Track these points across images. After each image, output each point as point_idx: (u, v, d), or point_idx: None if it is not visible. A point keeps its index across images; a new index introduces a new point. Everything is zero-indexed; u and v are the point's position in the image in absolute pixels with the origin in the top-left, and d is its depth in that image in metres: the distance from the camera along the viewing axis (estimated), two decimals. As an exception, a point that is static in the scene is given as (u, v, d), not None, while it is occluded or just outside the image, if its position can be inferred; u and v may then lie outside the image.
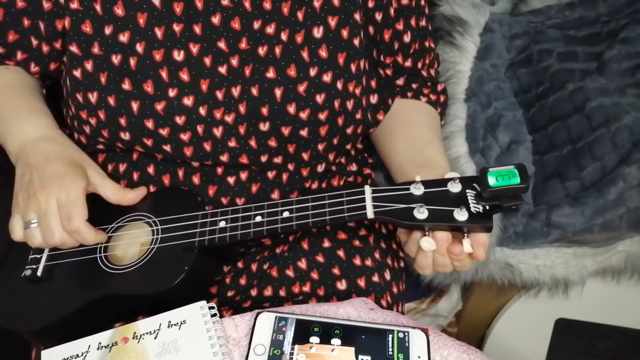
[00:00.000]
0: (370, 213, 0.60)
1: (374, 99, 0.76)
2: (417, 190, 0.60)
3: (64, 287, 0.63)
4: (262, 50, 0.65)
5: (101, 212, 0.65)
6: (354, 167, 0.85)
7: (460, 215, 0.57)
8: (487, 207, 0.58)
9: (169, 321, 0.58)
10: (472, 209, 0.58)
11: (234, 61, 0.65)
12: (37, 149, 0.64)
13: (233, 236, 0.62)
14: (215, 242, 0.62)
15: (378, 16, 0.72)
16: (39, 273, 0.63)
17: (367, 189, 0.62)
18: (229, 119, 0.66)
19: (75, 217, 0.59)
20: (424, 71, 0.83)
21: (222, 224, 0.63)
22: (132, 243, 0.65)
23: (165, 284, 0.61)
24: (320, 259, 0.73)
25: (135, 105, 0.64)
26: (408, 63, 0.79)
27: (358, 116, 0.72)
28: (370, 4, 0.71)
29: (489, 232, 0.59)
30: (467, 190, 0.59)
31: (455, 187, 0.60)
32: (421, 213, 0.58)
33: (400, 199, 0.60)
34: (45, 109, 0.71)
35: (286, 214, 0.62)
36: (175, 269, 0.61)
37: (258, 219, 0.63)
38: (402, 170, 0.75)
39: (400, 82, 0.80)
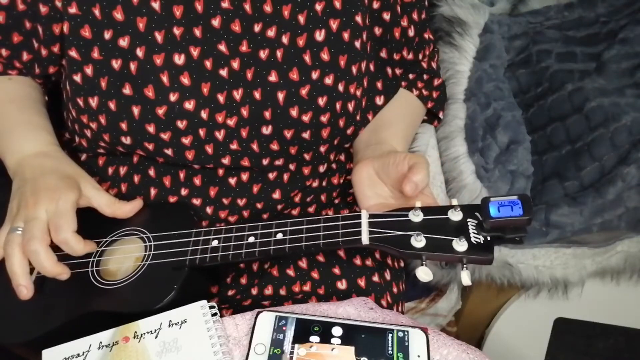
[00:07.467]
0: (365, 239, 0.58)
1: (380, 100, 0.77)
2: (416, 217, 0.58)
3: (53, 300, 0.62)
4: (263, 54, 0.66)
5: (96, 226, 0.64)
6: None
7: (460, 245, 0.55)
8: (488, 238, 0.56)
9: (170, 320, 0.58)
10: (472, 240, 0.56)
11: (235, 64, 0.65)
12: (33, 163, 0.65)
13: (224, 256, 0.61)
14: (207, 262, 0.61)
15: (386, 16, 0.73)
16: None
17: (364, 213, 0.60)
18: (231, 122, 0.66)
19: (63, 228, 0.59)
20: (424, 62, 0.83)
21: (215, 243, 0.62)
22: (124, 258, 0.64)
23: (153, 303, 0.60)
24: (320, 258, 0.73)
25: (136, 110, 0.64)
26: (410, 56, 0.80)
27: (359, 117, 0.72)
28: (376, 5, 0.71)
29: (489, 264, 0.56)
30: (469, 220, 0.57)
31: (456, 216, 0.58)
32: (419, 241, 0.56)
33: (397, 226, 0.58)
34: (44, 123, 0.71)
35: (280, 236, 0.61)
36: (165, 288, 0.60)
37: (251, 239, 0.61)
38: (355, 152, 0.76)
39: (398, 71, 0.81)
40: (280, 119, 0.67)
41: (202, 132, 0.66)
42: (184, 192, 0.71)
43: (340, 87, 0.67)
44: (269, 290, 0.73)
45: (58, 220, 0.59)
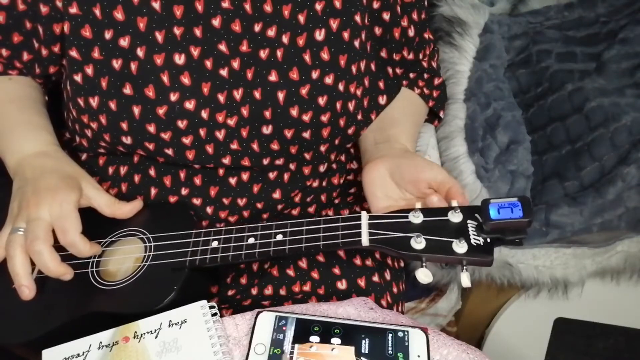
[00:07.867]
0: (365, 241, 0.58)
1: (382, 100, 0.77)
2: (416, 218, 0.59)
3: (53, 300, 0.62)
4: (263, 54, 0.66)
5: (96, 226, 0.64)
6: (354, 165, 0.86)
7: (459, 247, 0.55)
8: (488, 240, 0.56)
9: (170, 320, 0.58)
10: (472, 241, 0.56)
11: (235, 64, 0.65)
12: (33, 163, 0.65)
13: (224, 257, 0.61)
14: (206, 263, 0.61)
15: (386, 16, 0.73)
16: None
17: (364, 215, 0.60)
18: (231, 122, 0.66)
19: (69, 231, 0.59)
20: (424, 62, 0.83)
21: (215, 244, 0.62)
22: (124, 259, 0.64)
23: (153, 304, 0.60)
24: (320, 258, 0.74)
25: (136, 110, 0.64)
26: (410, 56, 0.80)
27: (359, 117, 0.72)
28: (376, 5, 0.71)
29: (489, 266, 0.56)
30: (469, 221, 0.57)
31: (456, 217, 0.58)
32: (418, 243, 0.56)
33: (397, 227, 0.59)
34: (45, 123, 0.71)
35: (279, 237, 0.61)
36: (165, 289, 0.60)
37: (251, 240, 0.61)
38: (363, 151, 0.77)
39: (399, 71, 0.81)
40: (281, 119, 0.67)
41: (202, 132, 0.66)
42: (184, 191, 0.71)
43: (341, 87, 0.68)
44: (269, 290, 0.73)
45: (63, 222, 0.60)
